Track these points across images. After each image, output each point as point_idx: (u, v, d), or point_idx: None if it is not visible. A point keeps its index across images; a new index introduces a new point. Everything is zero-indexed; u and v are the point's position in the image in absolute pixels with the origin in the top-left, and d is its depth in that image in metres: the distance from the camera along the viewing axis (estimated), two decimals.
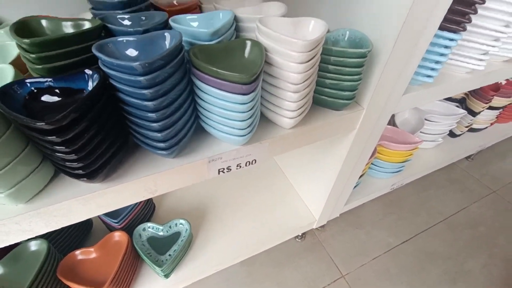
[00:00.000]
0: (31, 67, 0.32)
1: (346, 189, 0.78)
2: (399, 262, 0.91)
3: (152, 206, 0.79)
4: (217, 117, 0.39)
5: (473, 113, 1.06)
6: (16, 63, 0.37)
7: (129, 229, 0.69)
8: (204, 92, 0.37)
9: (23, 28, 0.34)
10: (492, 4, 0.53)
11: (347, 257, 0.91)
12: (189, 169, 0.41)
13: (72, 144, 0.29)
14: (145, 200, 0.74)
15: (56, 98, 0.32)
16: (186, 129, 0.39)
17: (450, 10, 0.45)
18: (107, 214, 0.68)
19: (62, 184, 0.36)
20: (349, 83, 0.46)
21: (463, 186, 1.18)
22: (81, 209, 0.36)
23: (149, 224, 0.71)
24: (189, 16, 0.44)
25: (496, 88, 1.00)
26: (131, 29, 0.37)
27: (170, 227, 0.72)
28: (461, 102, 1.09)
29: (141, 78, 0.30)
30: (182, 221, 0.72)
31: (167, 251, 0.68)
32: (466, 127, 1.11)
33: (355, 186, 0.84)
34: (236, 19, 0.44)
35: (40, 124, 0.26)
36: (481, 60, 0.59)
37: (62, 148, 0.29)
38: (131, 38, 0.35)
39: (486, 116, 1.14)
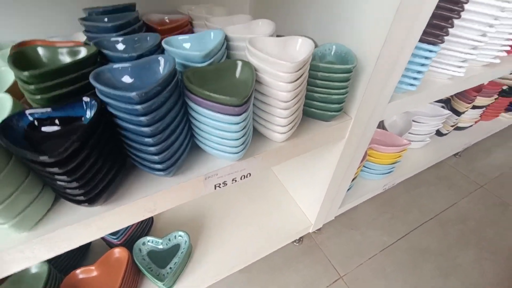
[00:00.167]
0: (30, 98, 0.33)
1: (339, 193, 0.81)
2: (394, 260, 0.94)
3: (150, 219, 0.80)
4: (211, 137, 0.40)
5: (457, 113, 1.10)
6: (12, 90, 0.37)
7: (128, 244, 0.69)
8: (198, 113, 0.39)
9: (20, 58, 0.35)
10: (468, 15, 0.56)
11: (344, 258, 0.94)
12: (186, 186, 0.42)
13: (73, 173, 0.30)
14: None
15: (55, 128, 0.33)
16: (182, 149, 0.41)
17: (429, 24, 0.47)
18: None
19: (63, 209, 0.37)
20: (336, 96, 0.48)
21: (452, 182, 1.22)
22: (82, 233, 0.37)
23: (148, 238, 0.71)
24: (181, 37, 0.45)
25: (478, 89, 1.04)
26: (126, 55, 0.39)
27: (169, 239, 0.73)
28: (446, 103, 1.13)
29: (138, 107, 0.31)
30: (181, 233, 0.73)
31: (168, 264, 0.69)
32: (452, 126, 1.15)
33: (348, 189, 0.86)
34: (227, 38, 0.46)
35: (43, 158, 0.27)
36: (460, 67, 0.63)
37: (64, 177, 0.30)
38: (126, 65, 0.36)
39: (470, 115, 1.18)
